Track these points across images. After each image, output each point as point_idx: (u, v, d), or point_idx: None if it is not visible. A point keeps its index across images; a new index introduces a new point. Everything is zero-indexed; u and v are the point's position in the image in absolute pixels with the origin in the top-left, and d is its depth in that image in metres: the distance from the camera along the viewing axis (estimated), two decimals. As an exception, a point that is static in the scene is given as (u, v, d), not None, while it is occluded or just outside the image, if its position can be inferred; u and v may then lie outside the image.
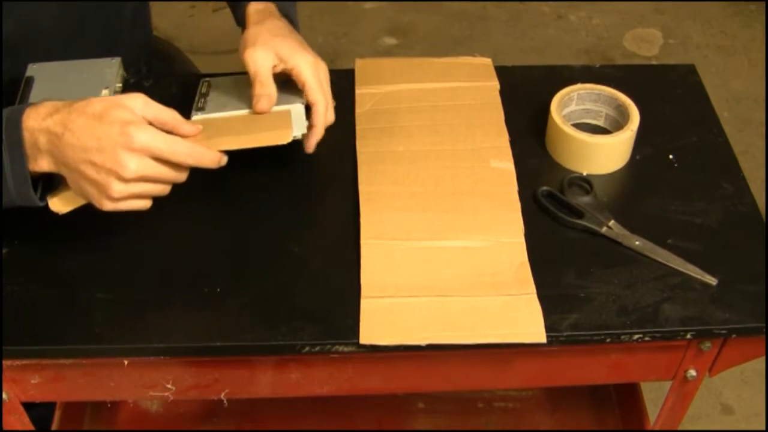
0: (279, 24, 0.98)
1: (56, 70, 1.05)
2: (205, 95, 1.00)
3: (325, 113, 0.95)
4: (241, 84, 1.00)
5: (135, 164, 0.80)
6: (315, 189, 1.00)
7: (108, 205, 0.82)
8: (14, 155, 0.82)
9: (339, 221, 0.95)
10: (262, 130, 0.90)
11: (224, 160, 0.87)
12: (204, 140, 0.88)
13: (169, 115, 0.85)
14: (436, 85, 1.09)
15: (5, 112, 0.83)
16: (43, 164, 0.83)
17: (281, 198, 0.97)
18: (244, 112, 0.94)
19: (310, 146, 0.96)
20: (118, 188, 0.81)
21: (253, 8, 1.00)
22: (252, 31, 0.96)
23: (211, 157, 0.86)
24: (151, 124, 0.83)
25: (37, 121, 0.82)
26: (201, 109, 0.96)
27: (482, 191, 0.97)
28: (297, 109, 0.94)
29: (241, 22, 1.03)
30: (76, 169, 0.81)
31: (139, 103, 0.83)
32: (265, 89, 0.93)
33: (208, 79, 1.04)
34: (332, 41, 2.41)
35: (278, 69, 0.95)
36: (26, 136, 0.82)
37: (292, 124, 0.91)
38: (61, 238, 0.92)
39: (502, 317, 0.85)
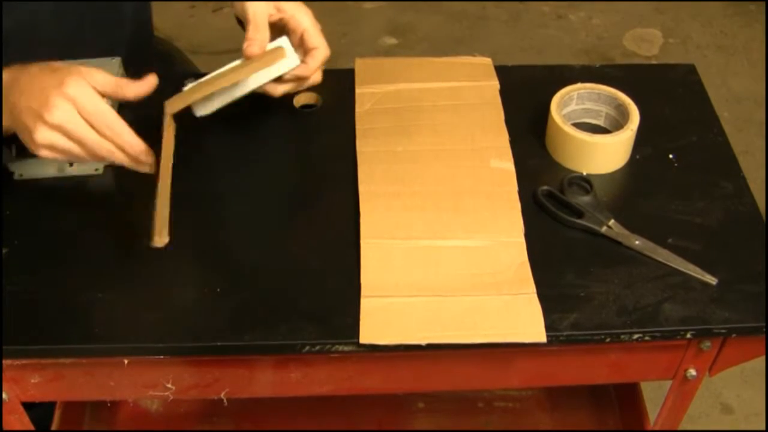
0: None
1: (56, 69, 1.05)
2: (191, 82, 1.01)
3: (323, 58, 0.97)
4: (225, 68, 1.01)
5: (61, 110, 0.83)
6: (315, 188, 1.00)
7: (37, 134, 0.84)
8: None
9: (339, 221, 0.95)
10: (259, 60, 0.91)
11: (148, 157, 0.87)
12: (208, 85, 0.88)
13: (111, 79, 0.87)
14: (436, 85, 1.10)
15: None
16: None
17: (281, 197, 0.97)
18: (236, 63, 0.95)
19: (311, 74, 0.99)
20: (37, 131, 0.83)
21: None
22: None
23: (131, 142, 0.86)
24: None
25: (9, 72, 0.87)
26: (191, 80, 0.97)
27: (482, 191, 0.97)
28: (285, 42, 0.95)
29: None
30: (15, 105, 0.84)
31: (96, 72, 0.86)
32: (259, 33, 0.93)
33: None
34: (332, 41, 2.40)
35: (274, 18, 0.96)
36: None
37: (284, 52, 0.92)
38: (61, 238, 0.92)
39: (502, 317, 0.85)
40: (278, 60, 0.91)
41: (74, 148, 0.85)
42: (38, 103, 0.83)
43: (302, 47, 0.97)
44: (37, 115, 0.83)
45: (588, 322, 0.85)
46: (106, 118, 0.85)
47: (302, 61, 0.98)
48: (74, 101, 0.83)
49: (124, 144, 0.86)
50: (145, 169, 0.88)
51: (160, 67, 1.25)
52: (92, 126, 0.85)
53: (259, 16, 0.94)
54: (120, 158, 0.87)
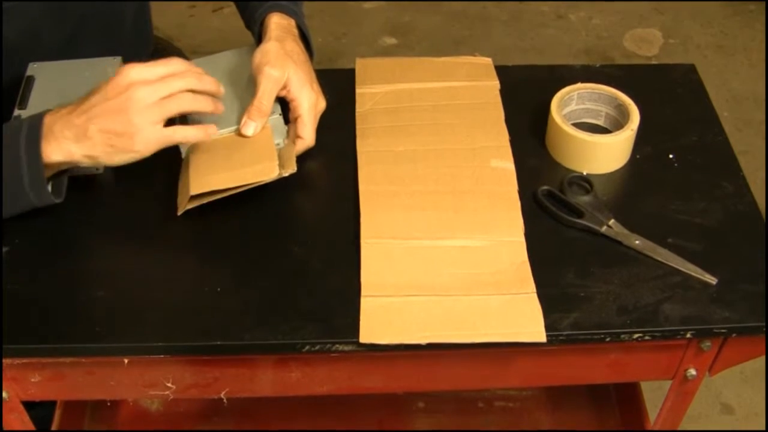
0: (297, 50, 1.00)
1: (57, 69, 1.05)
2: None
3: (304, 148, 0.99)
4: (216, 73, 1.01)
5: (144, 91, 0.86)
6: (315, 188, 1.00)
7: (139, 140, 0.86)
8: (31, 153, 0.85)
9: (339, 220, 0.95)
10: (247, 165, 0.92)
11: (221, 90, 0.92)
12: (196, 177, 0.91)
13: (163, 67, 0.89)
14: (436, 85, 1.10)
15: (27, 119, 0.88)
16: (57, 151, 0.86)
17: (281, 197, 0.97)
18: (229, 130, 0.96)
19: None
20: (139, 119, 0.85)
21: (275, 22, 1.01)
22: (273, 47, 0.97)
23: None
24: None
25: (55, 115, 0.87)
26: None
27: (482, 191, 0.97)
28: (275, 120, 0.98)
29: (256, 27, 1.03)
30: (99, 122, 0.85)
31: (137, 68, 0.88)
32: (261, 117, 0.96)
33: None
34: (332, 41, 2.41)
35: (280, 94, 0.98)
36: (45, 130, 0.86)
37: (276, 158, 0.93)
38: (61, 237, 0.92)
39: (502, 316, 0.85)
40: (266, 179, 0.92)
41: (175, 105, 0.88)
42: (123, 96, 0.86)
43: (293, 127, 0.99)
44: (130, 111, 0.86)
45: (588, 322, 0.85)
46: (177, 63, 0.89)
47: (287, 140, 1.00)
48: (151, 73, 0.87)
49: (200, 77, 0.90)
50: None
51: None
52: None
53: (267, 96, 0.96)
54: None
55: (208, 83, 0.91)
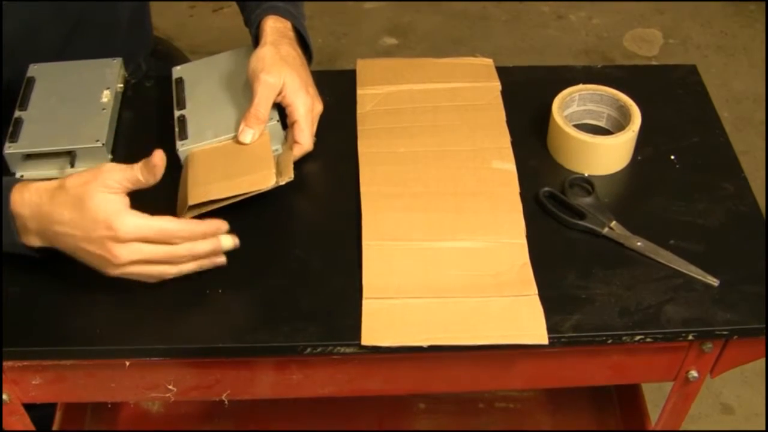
0: (293, 54, 1.00)
1: (57, 70, 1.05)
2: (181, 100, 1.02)
3: (302, 153, 0.99)
4: (214, 76, 1.03)
5: (126, 253, 0.81)
6: (316, 190, 1.00)
7: (113, 273, 0.84)
8: (6, 228, 0.84)
9: (340, 222, 0.95)
10: (244, 174, 0.92)
11: (224, 227, 0.86)
12: (194, 187, 0.90)
13: (128, 174, 0.83)
14: (437, 86, 1.09)
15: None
16: (36, 241, 0.85)
17: (282, 199, 0.97)
18: (227, 138, 0.96)
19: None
20: (114, 272, 0.83)
21: (270, 26, 1.00)
22: (268, 52, 0.97)
23: (206, 228, 0.85)
24: None
25: (24, 208, 0.83)
26: (184, 138, 0.98)
27: (484, 192, 0.97)
28: (273, 126, 0.97)
29: (252, 30, 1.03)
30: (73, 252, 0.84)
31: (112, 176, 0.82)
32: (258, 124, 0.95)
33: (179, 72, 1.07)
34: (332, 41, 2.41)
35: (276, 100, 0.97)
36: (17, 220, 0.84)
37: (274, 166, 0.93)
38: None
39: (503, 318, 0.85)
40: (263, 188, 0.92)
41: (154, 269, 0.84)
42: (101, 250, 0.81)
43: (291, 133, 0.99)
44: (108, 263, 0.82)
45: (590, 324, 0.85)
46: (168, 231, 0.82)
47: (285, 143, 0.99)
48: (135, 238, 0.81)
49: (197, 234, 0.85)
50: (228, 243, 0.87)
51: (160, 66, 1.25)
52: (161, 242, 0.83)
53: (264, 103, 0.95)
54: (203, 247, 0.85)
55: (201, 230, 0.85)
